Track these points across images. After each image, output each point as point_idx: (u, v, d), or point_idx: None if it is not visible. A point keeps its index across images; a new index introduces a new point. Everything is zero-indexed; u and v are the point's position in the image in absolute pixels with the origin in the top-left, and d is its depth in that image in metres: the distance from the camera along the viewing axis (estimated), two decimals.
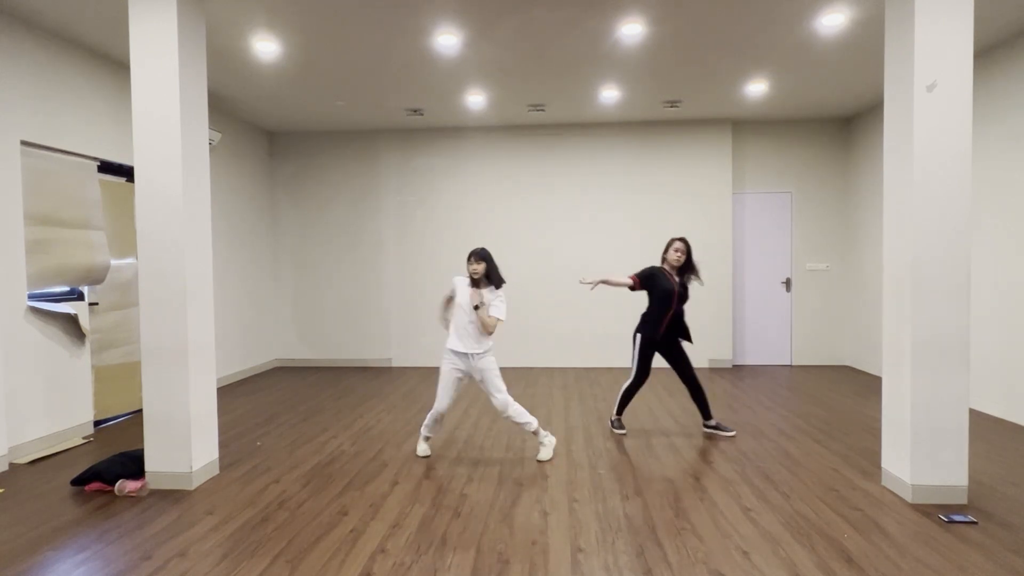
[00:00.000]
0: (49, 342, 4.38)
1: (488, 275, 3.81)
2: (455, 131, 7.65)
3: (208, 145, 3.83)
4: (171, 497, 3.41)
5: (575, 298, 7.52)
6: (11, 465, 3.99)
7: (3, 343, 4.00)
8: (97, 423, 4.91)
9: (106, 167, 4.96)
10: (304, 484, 3.60)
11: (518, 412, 3.91)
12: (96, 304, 4.90)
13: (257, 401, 5.85)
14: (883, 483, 3.50)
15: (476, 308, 3.73)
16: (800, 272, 7.54)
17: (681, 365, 4.48)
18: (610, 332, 7.47)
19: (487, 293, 3.81)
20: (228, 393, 6.23)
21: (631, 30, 4.49)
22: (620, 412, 4.68)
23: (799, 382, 6.51)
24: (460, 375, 3.90)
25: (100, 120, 4.85)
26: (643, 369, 4.50)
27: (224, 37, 4.56)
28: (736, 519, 3.06)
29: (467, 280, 3.89)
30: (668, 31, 4.53)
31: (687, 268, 4.41)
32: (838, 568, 2.56)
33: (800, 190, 7.52)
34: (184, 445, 3.54)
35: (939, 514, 3.08)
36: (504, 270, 7.60)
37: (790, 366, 7.50)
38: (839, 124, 7.44)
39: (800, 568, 2.56)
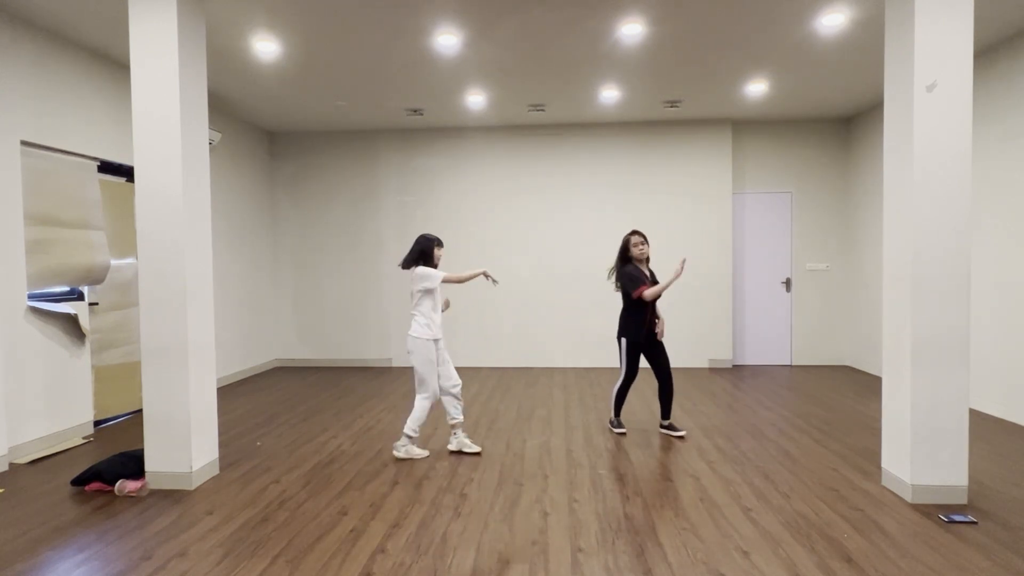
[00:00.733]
0: (49, 342, 4.38)
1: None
2: (455, 131, 7.65)
3: (208, 145, 3.83)
4: (171, 497, 3.41)
5: (575, 298, 7.53)
6: (11, 465, 3.99)
7: (3, 343, 4.00)
8: (97, 423, 4.91)
9: (106, 167, 4.97)
10: (304, 484, 3.60)
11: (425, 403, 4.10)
12: (96, 304, 4.90)
13: (257, 401, 5.85)
14: (883, 483, 3.50)
15: (446, 308, 4.21)
16: (800, 272, 7.54)
17: (660, 363, 4.52)
18: (610, 332, 7.45)
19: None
20: (228, 393, 6.24)
21: (631, 30, 4.50)
22: (617, 413, 4.69)
23: (799, 382, 6.51)
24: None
25: (100, 120, 4.85)
26: (631, 370, 4.56)
27: (224, 37, 4.56)
28: (736, 519, 3.06)
29: (432, 270, 4.07)
30: (668, 31, 4.53)
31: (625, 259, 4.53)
32: (838, 568, 2.56)
33: (800, 190, 7.51)
34: (184, 445, 3.54)
35: (939, 514, 3.08)
36: (504, 270, 7.74)
37: (790, 366, 7.50)
38: (839, 124, 7.44)
39: (800, 568, 2.56)
